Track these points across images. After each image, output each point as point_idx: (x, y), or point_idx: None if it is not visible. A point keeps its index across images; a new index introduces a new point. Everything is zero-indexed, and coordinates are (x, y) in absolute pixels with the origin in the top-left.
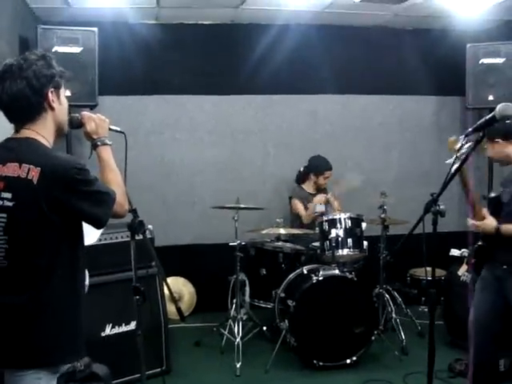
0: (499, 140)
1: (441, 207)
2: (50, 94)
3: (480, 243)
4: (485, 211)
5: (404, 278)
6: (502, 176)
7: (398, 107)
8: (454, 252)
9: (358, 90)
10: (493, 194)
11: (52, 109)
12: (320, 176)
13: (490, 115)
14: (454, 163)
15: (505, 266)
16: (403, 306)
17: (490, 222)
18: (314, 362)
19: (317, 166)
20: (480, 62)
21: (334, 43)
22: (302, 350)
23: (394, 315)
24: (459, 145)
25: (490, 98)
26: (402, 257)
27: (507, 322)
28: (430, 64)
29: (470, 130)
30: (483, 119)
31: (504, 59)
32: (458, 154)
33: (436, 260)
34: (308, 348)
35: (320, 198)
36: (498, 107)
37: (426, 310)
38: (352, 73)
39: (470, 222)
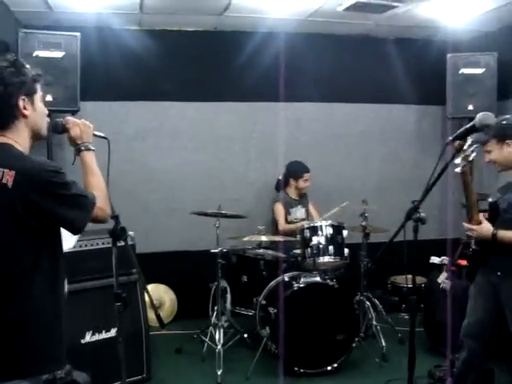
0: (510, 142)
1: (422, 214)
2: (20, 102)
3: (474, 247)
4: (481, 216)
5: (385, 286)
6: (480, 183)
7: (379, 116)
8: (434, 259)
9: (340, 99)
10: (490, 199)
11: (24, 116)
12: (299, 180)
13: (470, 124)
14: (460, 164)
15: (499, 273)
16: (384, 313)
17: (487, 227)
18: (295, 369)
19: (295, 171)
20: (460, 71)
21: (317, 51)
22: (283, 357)
23: (374, 322)
24: (466, 146)
25: (470, 107)
26: (383, 264)
27: (500, 328)
28: (411, 73)
29: (450, 138)
30: (463, 128)
31: (484, 69)
32: (464, 155)
33: (416, 267)
34: (289, 355)
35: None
36: (478, 116)
37: (407, 317)
38: (335, 81)
39: (466, 225)
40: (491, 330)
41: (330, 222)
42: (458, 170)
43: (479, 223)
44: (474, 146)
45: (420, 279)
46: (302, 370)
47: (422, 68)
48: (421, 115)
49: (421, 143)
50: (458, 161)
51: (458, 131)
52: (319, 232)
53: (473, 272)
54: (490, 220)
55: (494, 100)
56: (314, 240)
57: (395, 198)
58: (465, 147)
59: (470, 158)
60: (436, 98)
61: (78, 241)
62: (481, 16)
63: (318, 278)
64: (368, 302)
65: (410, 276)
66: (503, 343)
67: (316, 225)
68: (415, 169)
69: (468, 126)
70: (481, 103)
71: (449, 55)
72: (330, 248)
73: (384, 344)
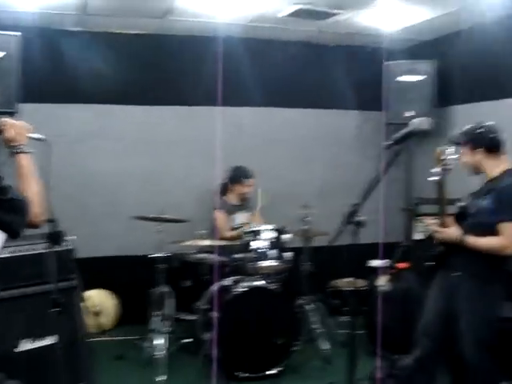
0: (481, 150)
1: (360, 218)
2: None
3: (439, 249)
4: (450, 220)
5: (326, 289)
6: (421, 188)
7: (321, 121)
8: (373, 263)
9: (282, 103)
10: (462, 203)
11: None
12: (242, 185)
13: (407, 130)
14: (439, 173)
15: (458, 273)
16: (326, 317)
17: (453, 231)
18: (237, 373)
19: (238, 176)
20: (398, 79)
21: (259, 56)
22: (225, 361)
23: (316, 326)
24: (444, 156)
25: (408, 113)
26: (325, 268)
27: (452, 329)
28: (352, 79)
29: (388, 143)
30: (399, 133)
31: (422, 77)
32: (443, 164)
33: (357, 271)
34: (231, 360)
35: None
36: (414, 122)
37: (349, 319)
38: (276, 86)
39: (433, 227)
40: (448, 329)
41: (271, 226)
42: (434, 178)
43: (445, 226)
44: (455, 155)
45: (361, 282)
46: (244, 375)
47: (363, 74)
48: (361, 121)
49: (362, 148)
50: (435, 169)
51: (394, 136)
52: (261, 236)
53: (435, 272)
54: (456, 223)
55: (432, 107)
56: (256, 244)
57: (338, 201)
58: (443, 156)
59: (448, 167)
60: (376, 105)
61: (16, 246)
62: (418, 25)
63: (259, 282)
64: (310, 306)
65: (350, 279)
66: (448, 342)
67: (257, 229)
68: (356, 173)
69: (403, 131)
70: (419, 109)
71: (385, 63)
72: (272, 252)
73: (326, 347)
